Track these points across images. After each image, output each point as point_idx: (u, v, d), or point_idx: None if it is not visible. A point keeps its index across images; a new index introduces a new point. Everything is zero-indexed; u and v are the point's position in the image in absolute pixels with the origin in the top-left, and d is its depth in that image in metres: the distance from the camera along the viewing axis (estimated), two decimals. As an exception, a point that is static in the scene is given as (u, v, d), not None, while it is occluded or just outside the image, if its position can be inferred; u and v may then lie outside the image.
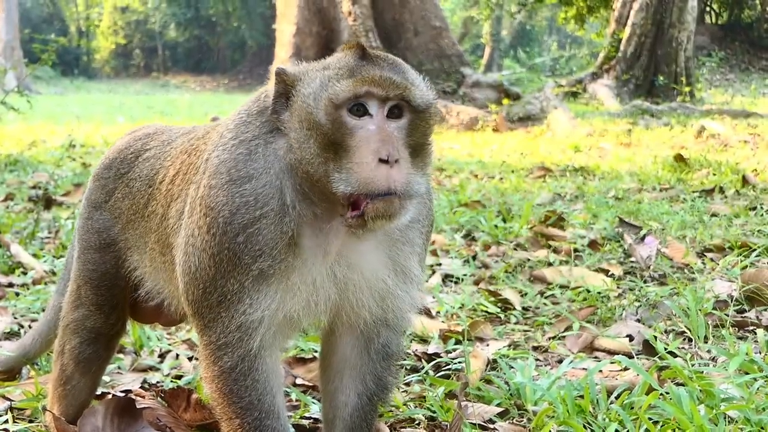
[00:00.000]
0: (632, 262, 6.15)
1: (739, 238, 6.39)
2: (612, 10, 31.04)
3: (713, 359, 4.09)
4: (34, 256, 6.35)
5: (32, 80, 42.14)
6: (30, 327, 4.66)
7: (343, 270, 2.55)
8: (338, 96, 2.36)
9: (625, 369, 3.92)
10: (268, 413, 2.59)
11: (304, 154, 2.42)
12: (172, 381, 4.00)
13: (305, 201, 2.48)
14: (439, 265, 6.18)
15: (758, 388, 3.41)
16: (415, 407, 3.59)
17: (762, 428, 3.06)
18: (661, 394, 3.31)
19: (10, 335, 4.66)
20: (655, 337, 4.20)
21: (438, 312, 5.02)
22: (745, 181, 9.44)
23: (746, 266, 5.56)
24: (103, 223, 3.21)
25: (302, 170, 2.44)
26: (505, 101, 21.03)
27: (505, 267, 6.03)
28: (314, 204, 2.48)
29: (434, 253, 6.47)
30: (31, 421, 3.47)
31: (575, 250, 6.39)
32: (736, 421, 3.15)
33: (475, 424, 3.33)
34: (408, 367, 4.13)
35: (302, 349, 4.28)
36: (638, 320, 4.75)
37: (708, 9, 41.82)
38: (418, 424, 3.46)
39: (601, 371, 3.92)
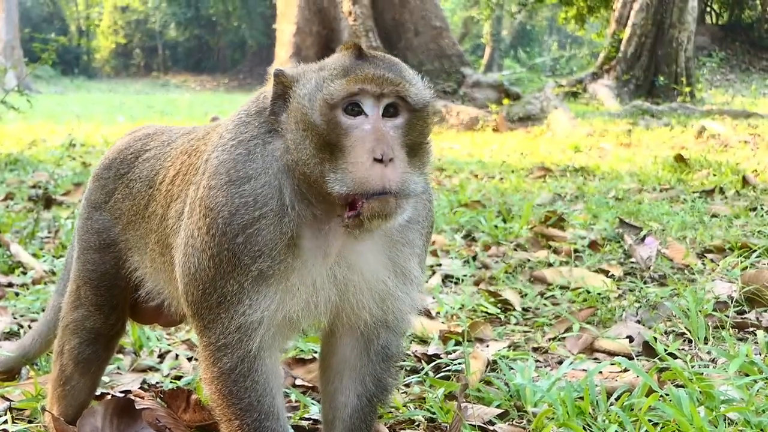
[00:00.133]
0: (632, 262, 6.15)
1: (740, 239, 6.39)
2: (612, 10, 31.03)
3: (713, 361, 4.08)
4: (34, 255, 6.35)
5: (32, 79, 42.14)
6: (29, 327, 4.65)
7: (343, 271, 2.54)
8: (332, 96, 2.36)
9: (625, 370, 3.91)
10: (268, 414, 2.59)
11: (300, 155, 2.42)
12: (171, 381, 4.00)
13: (304, 202, 2.48)
14: (439, 265, 6.18)
15: (758, 390, 3.41)
16: (415, 408, 3.59)
17: (762, 430, 3.05)
18: (661, 396, 3.31)
19: (10, 335, 4.66)
20: (655, 339, 4.19)
21: (438, 313, 5.02)
22: (745, 181, 9.43)
23: (746, 267, 5.55)
24: (103, 224, 3.20)
25: (299, 171, 2.44)
26: (506, 101, 21.03)
27: (505, 267, 6.02)
28: (313, 205, 2.48)
29: (434, 253, 6.47)
30: (30, 422, 3.47)
31: (575, 251, 6.39)
32: (736, 423, 3.15)
33: (474, 426, 3.33)
34: (408, 368, 4.13)
35: (302, 350, 4.28)
36: (638, 321, 4.74)
37: (708, 9, 41.81)
38: (418, 425, 3.46)
39: (601, 372, 3.91)
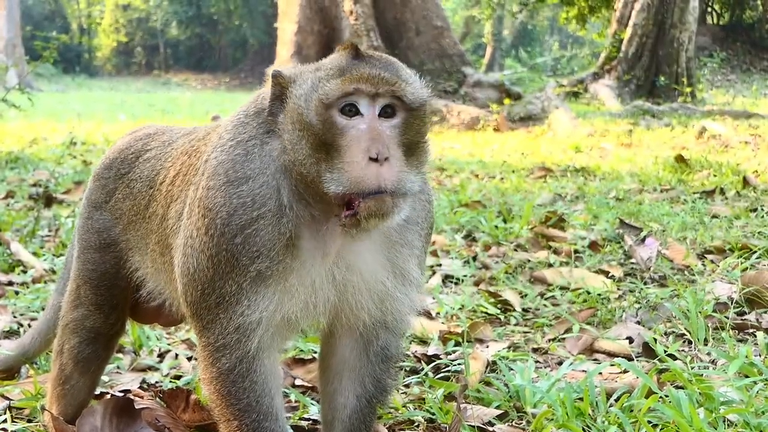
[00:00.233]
0: (632, 263, 6.15)
1: (740, 240, 6.39)
2: (613, 10, 31.01)
3: (713, 362, 4.08)
4: (34, 254, 6.35)
5: (34, 78, 42.10)
6: (29, 326, 4.65)
7: (342, 272, 2.54)
8: (328, 96, 2.36)
9: (625, 371, 3.91)
10: (267, 415, 2.59)
11: (297, 156, 2.42)
12: (171, 381, 4.00)
13: (302, 202, 2.48)
14: (440, 265, 6.18)
15: (758, 391, 3.41)
16: (415, 409, 3.59)
17: (762, 431, 3.05)
18: (661, 397, 3.30)
19: (10, 334, 4.66)
20: (655, 340, 4.19)
21: (438, 313, 5.02)
22: (745, 182, 9.43)
23: (746, 268, 5.55)
24: (103, 224, 3.21)
25: (296, 171, 2.44)
26: (507, 101, 21.03)
27: (505, 268, 6.02)
28: (311, 205, 2.48)
29: (434, 253, 6.47)
30: (29, 421, 3.47)
31: (576, 251, 6.39)
32: (736, 425, 3.15)
33: (474, 427, 3.33)
34: (407, 369, 4.13)
35: (302, 350, 4.28)
36: (638, 322, 4.74)
37: (709, 9, 41.77)
38: (417, 426, 3.46)
39: (600, 373, 3.91)
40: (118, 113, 26.92)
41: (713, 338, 4.39)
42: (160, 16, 72.86)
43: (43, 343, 3.79)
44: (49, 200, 8.55)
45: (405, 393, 3.80)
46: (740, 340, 4.41)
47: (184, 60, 73.15)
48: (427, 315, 4.88)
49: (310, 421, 3.49)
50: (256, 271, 2.47)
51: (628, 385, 3.59)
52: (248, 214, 2.47)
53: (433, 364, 4.19)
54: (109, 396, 3.63)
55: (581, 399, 3.41)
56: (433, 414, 3.51)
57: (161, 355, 4.43)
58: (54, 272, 5.84)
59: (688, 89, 26.95)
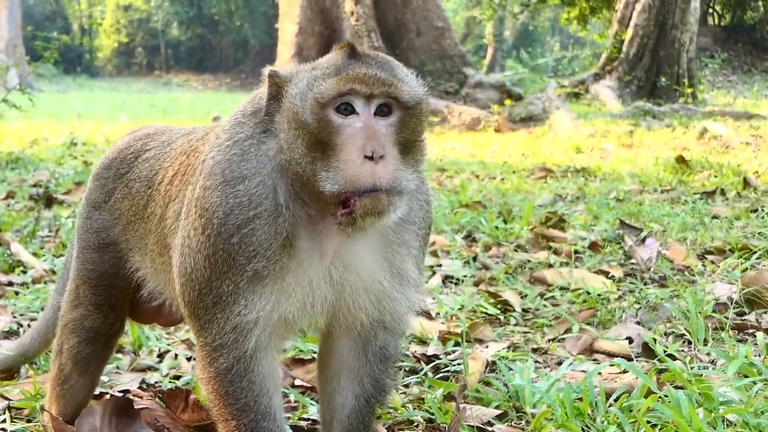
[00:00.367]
0: (633, 264, 6.14)
1: (740, 241, 6.38)
2: (614, 11, 31.03)
3: (713, 362, 4.08)
4: (34, 254, 6.35)
5: (34, 78, 42.11)
6: (29, 326, 4.65)
7: (339, 271, 2.54)
8: (323, 95, 2.36)
9: (625, 371, 3.91)
10: (265, 415, 2.59)
11: (293, 155, 2.42)
12: (170, 381, 4.00)
13: (298, 202, 2.48)
14: (440, 266, 6.18)
15: (757, 392, 3.40)
16: (414, 409, 3.59)
17: (761, 431, 3.06)
18: (660, 397, 3.30)
19: (9, 334, 4.66)
20: (655, 340, 4.19)
21: (437, 313, 5.02)
22: (746, 183, 9.43)
23: (746, 269, 5.55)
24: (103, 223, 3.21)
25: (292, 171, 2.44)
26: (508, 102, 21.04)
27: (505, 268, 6.02)
28: (307, 205, 2.48)
29: (434, 254, 6.47)
30: (29, 421, 3.47)
31: (576, 252, 6.39)
32: (735, 425, 3.14)
33: (473, 427, 3.33)
34: (407, 369, 4.13)
35: (301, 350, 4.28)
36: (638, 322, 4.74)
37: (710, 10, 41.78)
38: (417, 426, 3.45)
39: (600, 373, 3.91)
40: (118, 114, 26.93)
41: (713, 338, 4.39)
42: (161, 17, 72.88)
43: (43, 343, 3.79)
44: (49, 201, 8.55)
45: (404, 393, 3.80)
46: (740, 341, 4.41)
47: (185, 60, 73.17)
48: (427, 315, 4.88)
49: (310, 421, 3.49)
50: (252, 271, 2.47)
51: (628, 385, 3.59)
52: (245, 214, 2.47)
53: (433, 364, 4.18)
54: (108, 396, 3.63)
55: (581, 399, 3.41)
56: (433, 414, 3.51)
57: (161, 356, 4.43)
58: (54, 273, 5.84)
59: (689, 90, 26.95)
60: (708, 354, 4.18)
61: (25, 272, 5.93)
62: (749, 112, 22.45)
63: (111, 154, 3.31)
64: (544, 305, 5.24)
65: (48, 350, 3.75)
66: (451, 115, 20.04)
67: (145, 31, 73.77)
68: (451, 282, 5.88)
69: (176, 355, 4.39)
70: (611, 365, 3.95)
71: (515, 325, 4.93)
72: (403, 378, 3.96)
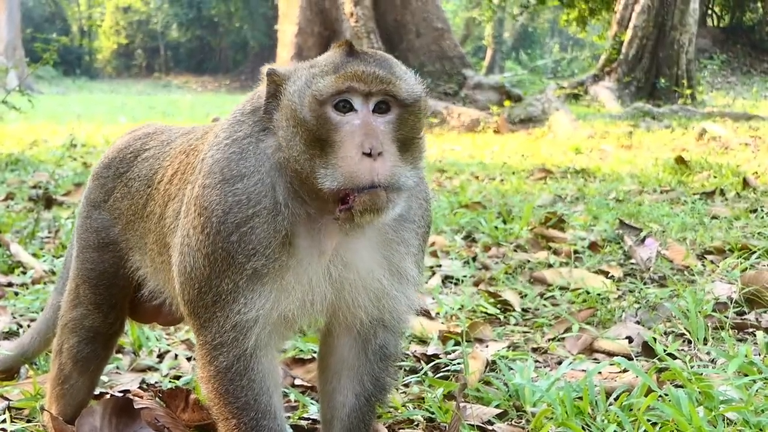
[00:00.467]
0: (632, 263, 6.14)
1: (739, 241, 6.39)
2: (614, 12, 31.02)
3: (712, 361, 4.08)
4: (34, 255, 6.35)
5: (34, 80, 42.14)
6: (29, 327, 4.65)
7: (339, 269, 2.54)
8: (321, 92, 2.36)
9: (625, 371, 3.91)
10: (265, 413, 2.59)
11: (291, 152, 2.42)
12: (170, 381, 4.00)
13: (297, 200, 2.48)
14: (440, 266, 6.17)
15: (757, 390, 3.41)
16: (414, 408, 3.59)
17: (761, 430, 3.05)
18: (660, 396, 3.30)
19: (9, 335, 4.66)
20: (655, 339, 4.19)
21: (437, 313, 5.02)
22: (745, 183, 9.43)
23: (746, 268, 5.55)
24: (102, 223, 3.21)
25: (291, 168, 2.44)
26: (507, 103, 21.03)
27: (505, 268, 6.02)
28: (306, 203, 2.48)
29: (434, 254, 6.47)
30: (29, 421, 3.47)
31: (575, 252, 6.39)
32: (735, 423, 3.15)
33: (473, 426, 3.33)
34: (407, 368, 4.13)
35: (301, 350, 4.28)
36: (638, 322, 4.74)
37: (709, 12, 41.80)
38: (417, 425, 3.45)
39: (600, 373, 3.91)
40: (118, 115, 26.93)
41: (713, 338, 4.39)
42: (160, 19, 72.88)
43: (43, 342, 3.79)
44: (48, 202, 8.55)
45: (404, 392, 3.80)
46: (740, 340, 4.41)
47: (185, 62, 73.16)
48: (427, 315, 4.88)
49: (310, 421, 3.49)
50: (252, 269, 2.47)
51: (628, 384, 3.59)
52: (243, 212, 2.47)
53: (433, 363, 4.18)
54: (108, 396, 3.63)
55: (581, 398, 3.41)
56: (433, 413, 3.51)
57: (161, 356, 4.43)
58: (53, 273, 5.84)
59: (689, 91, 26.95)
60: (708, 353, 4.18)
61: (24, 273, 5.92)
62: (748, 113, 22.44)
63: (110, 154, 3.31)
64: (544, 305, 5.24)
65: (48, 350, 3.74)
66: (450, 116, 20.03)
67: (145, 33, 73.76)
68: (451, 282, 5.88)
69: (176, 356, 4.39)
70: (611, 364, 3.95)
71: (515, 324, 4.93)
72: (404, 377, 3.96)
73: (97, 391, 3.54)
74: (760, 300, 4.85)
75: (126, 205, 3.12)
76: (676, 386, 3.44)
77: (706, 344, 4.30)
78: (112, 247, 3.18)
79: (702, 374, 3.66)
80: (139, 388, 3.88)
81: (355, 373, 2.79)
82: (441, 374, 4.07)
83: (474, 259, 6.46)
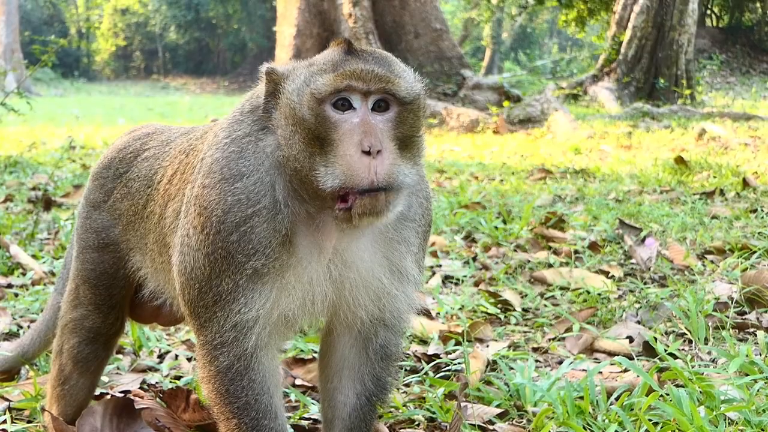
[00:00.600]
0: (632, 263, 6.14)
1: (740, 241, 6.39)
2: (613, 12, 31.00)
3: (713, 361, 4.08)
4: (34, 257, 6.34)
5: (32, 82, 42.17)
6: (29, 328, 4.64)
7: (339, 268, 2.54)
8: (320, 90, 2.36)
9: (625, 370, 3.91)
10: (265, 413, 2.58)
11: (290, 151, 2.42)
12: (171, 381, 3.99)
13: (297, 199, 2.47)
14: (440, 266, 6.17)
15: (758, 390, 3.40)
16: (415, 408, 3.59)
17: (762, 430, 3.05)
18: (661, 396, 3.30)
19: (9, 336, 4.65)
20: (655, 339, 4.19)
21: (438, 313, 5.02)
22: (745, 183, 9.43)
23: (746, 268, 5.55)
24: (102, 223, 3.20)
25: (290, 167, 2.44)
26: (506, 103, 21.04)
27: (505, 268, 6.02)
28: (306, 202, 2.47)
29: (434, 254, 6.47)
30: (29, 422, 3.47)
31: (575, 252, 6.38)
32: (736, 423, 3.14)
33: (474, 425, 3.33)
34: (407, 368, 4.12)
35: (302, 350, 4.27)
36: (638, 322, 4.74)
37: (709, 12, 41.82)
38: (418, 424, 3.45)
39: (601, 372, 3.91)
40: (116, 117, 26.94)
41: (713, 337, 4.39)
42: (158, 21, 72.85)
43: (43, 343, 3.78)
44: (48, 203, 8.54)
45: (405, 392, 3.80)
46: (740, 339, 4.41)
47: (183, 64, 73.18)
48: (427, 315, 4.88)
49: (311, 421, 3.49)
50: (252, 269, 2.46)
51: (629, 383, 3.59)
52: (243, 212, 2.46)
53: (434, 363, 4.18)
54: (109, 396, 3.62)
55: (582, 397, 3.41)
56: (434, 413, 3.51)
57: (161, 356, 4.43)
58: (53, 274, 5.83)
59: (688, 91, 26.95)
60: (709, 353, 4.18)
61: (24, 274, 5.92)
62: (748, 113, 22.41)
63: (110, 154, 3.30)
64: (545, 305, 5.24)
65: (48, 351, 3.74)
66: (449, 116, 20.02)
67: (143, 35, 73.76)
68: (451, 282, 5.88)
69: (177, 356, 4.38)
70: (612, 364, 3.95)
71: (515, 324, 4.93)
72: (404, 377, 3.96)
73: (97, 392, 3.54)
74: (760, 300, 4.85)
75: (126, 206, 3.12)
76: (677, 386, 3.44)
77: (706, 344, 4.30)
78: (112, 248, 3.18)
79: (703, 374, 3.66)
80: (140, 388, 3.88)
81: (356, 372, 2.79)
82: (442, 374, 4.07)
83: (474, 259, 6.46)
